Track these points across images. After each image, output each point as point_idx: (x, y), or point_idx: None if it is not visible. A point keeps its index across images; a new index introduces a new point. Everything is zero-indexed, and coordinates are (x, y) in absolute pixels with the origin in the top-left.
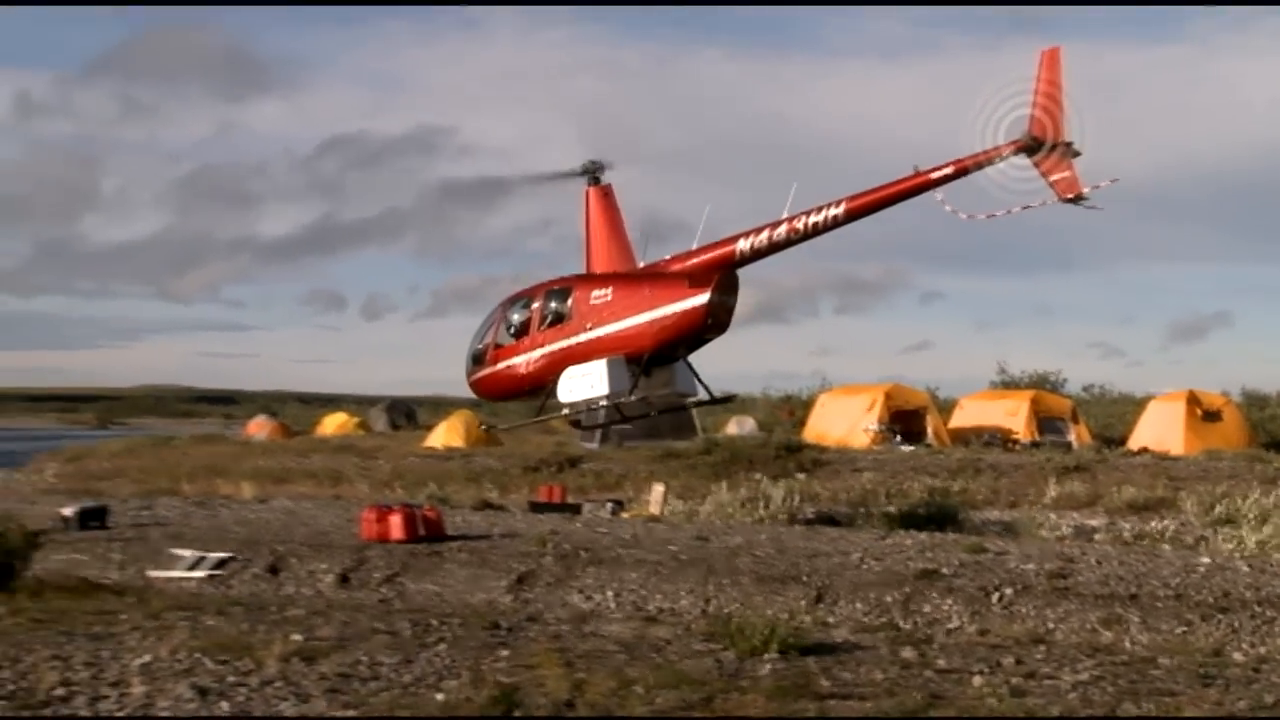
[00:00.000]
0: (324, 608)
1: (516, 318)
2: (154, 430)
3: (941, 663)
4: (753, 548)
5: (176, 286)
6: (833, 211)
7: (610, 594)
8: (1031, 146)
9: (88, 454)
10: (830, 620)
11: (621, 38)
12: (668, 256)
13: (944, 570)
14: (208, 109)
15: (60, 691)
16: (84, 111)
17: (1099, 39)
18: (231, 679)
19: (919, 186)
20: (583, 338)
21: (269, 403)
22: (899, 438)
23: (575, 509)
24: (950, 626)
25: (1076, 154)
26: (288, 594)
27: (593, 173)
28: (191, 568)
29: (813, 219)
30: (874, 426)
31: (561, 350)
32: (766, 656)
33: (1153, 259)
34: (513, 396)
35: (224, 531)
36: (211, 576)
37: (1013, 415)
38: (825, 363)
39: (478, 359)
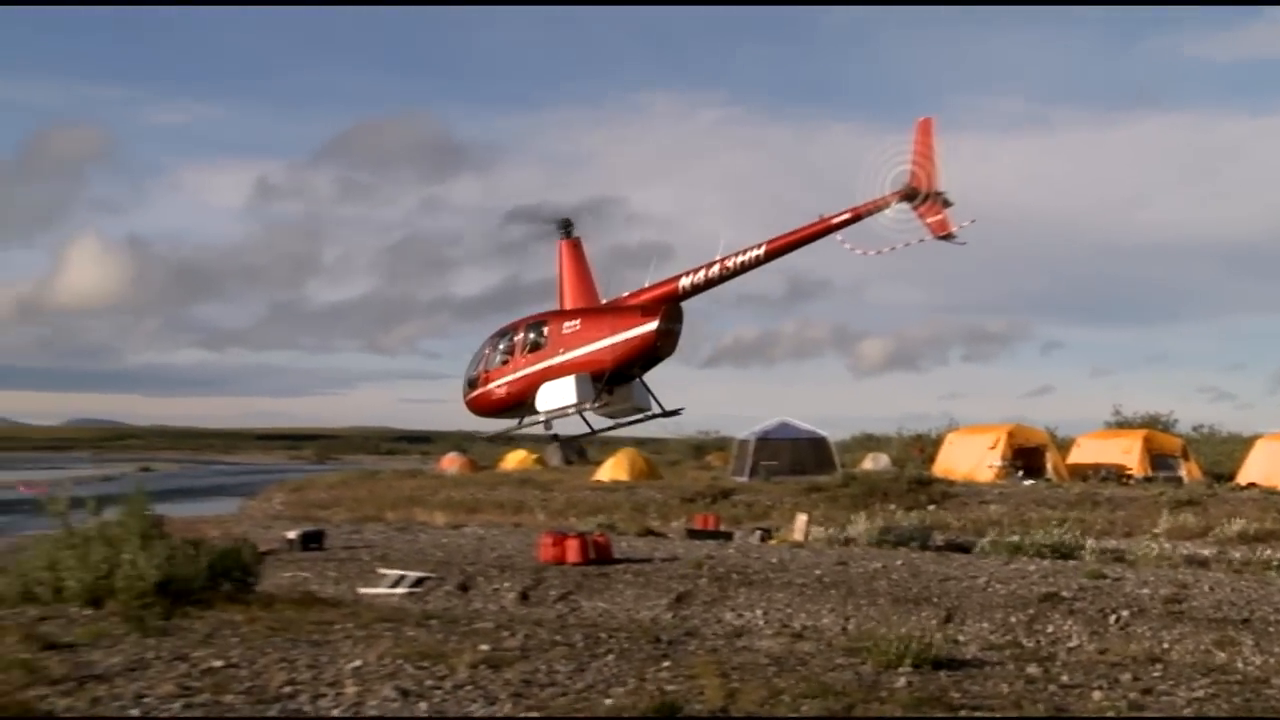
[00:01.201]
0: (508, 622)
1: (503, 347)
2: (363, 465)
3: (1064, 678)
4: (889, 572)
5: (383, 341)
6: (755, 253)
7: (760, 612)
8: (911, 195)
9: (308, 485)
10: (960, 638)
11: (767, 116)
12: (625, 293)
13: (1065, 594)
14: (414, 187)
15: (287, 689)
16: (311, 192)
17: (1213, 110)
18: (429, 682)
19: (824, 230)
20: (556, 360)
21: (460, 441)
22: (1021, 473)
23: (728, 536)
24: (1071, 645)
25: (949, 202)
26: (476, 609)
27: (565, 228)
28: (394, 585)
29: (739, 259)
30: (998, 462)
31: (540, 371)
32: (901, 670)
33: (1261, 310)
34: (502, 412)
35: (422, 554)
36: (411, 593)
37: (1127, 453)
38: (953, 405)
39: (472, 383)
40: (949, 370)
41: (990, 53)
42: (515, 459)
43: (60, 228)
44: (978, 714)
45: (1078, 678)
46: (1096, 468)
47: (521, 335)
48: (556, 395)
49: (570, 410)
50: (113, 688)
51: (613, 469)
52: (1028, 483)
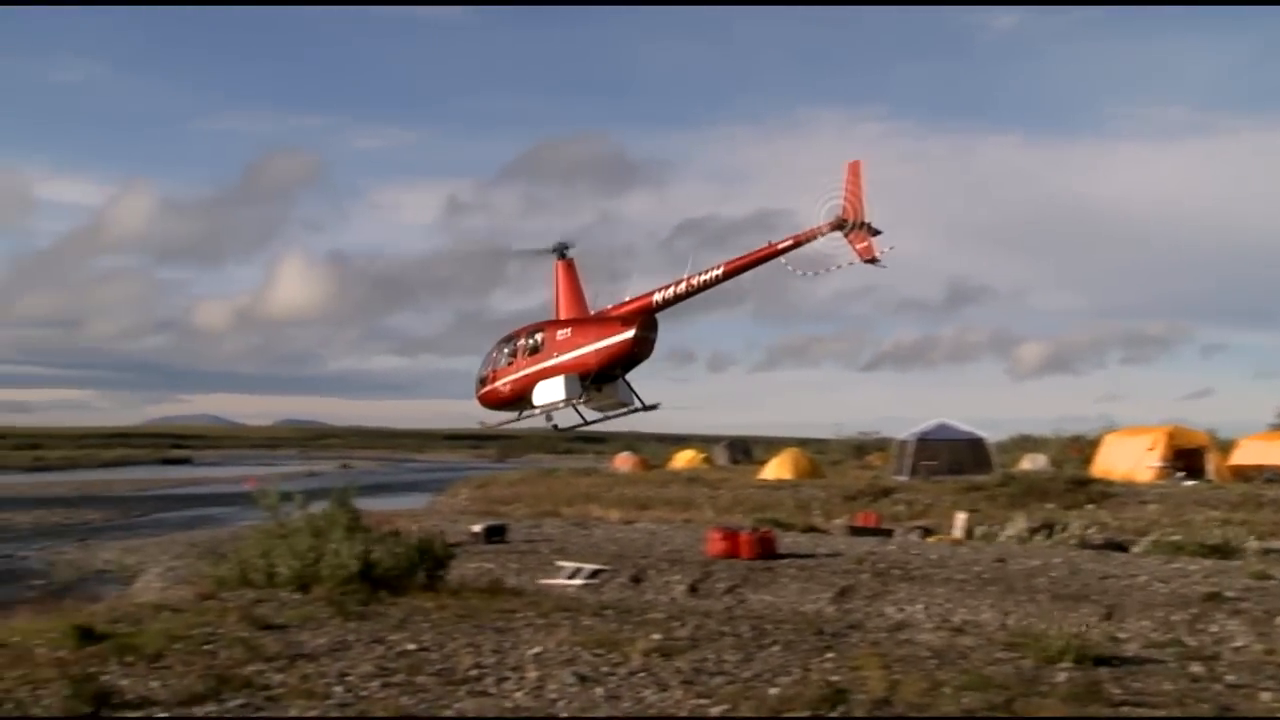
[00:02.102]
0: (678, 612)
1: (508, 350)
2: (541, 464)
3: (1230, 678)
4: (1048, 569)
5: None
6: (715, 272)
7: (920, 607)
8: (842, 225)
9: (491, 482)
10: (1120, 636)
11: (926, 129)
12: (610, 305)
13: (1229, 594)
14: (591, 202)
15: (474, 672)
16: (496, 208)
17: None
18: (604, 669)
19: (771, 254)
20: (551, 362)
21: (632, 441)
22: (1181, 474)
23: (888, 533)
24: (1236, 645)
25: (876, 231)
26: (648, 600)
27: (561, 250)
28: (571, 576)
29: (702, 277)
30: (1157, 463)
31: (537, 371)
32: (1061, 665)
33: None
34: (506, 406)
35: (597, 548)
36: (587, 584)
37: None
38: (1111, 407)
39: (483, 381)
40: (1107, 373)
41: (1150, 61)
42: (684, 458)
43: (273, 246)
44: (1139, 710)
45: (1244, 677)
46: (1261, 469)
47: (523, 341)
48: (549, 392)
49: (560, 405)
50: (319, 666)
51: (777, 468)
52: (1188, 484)
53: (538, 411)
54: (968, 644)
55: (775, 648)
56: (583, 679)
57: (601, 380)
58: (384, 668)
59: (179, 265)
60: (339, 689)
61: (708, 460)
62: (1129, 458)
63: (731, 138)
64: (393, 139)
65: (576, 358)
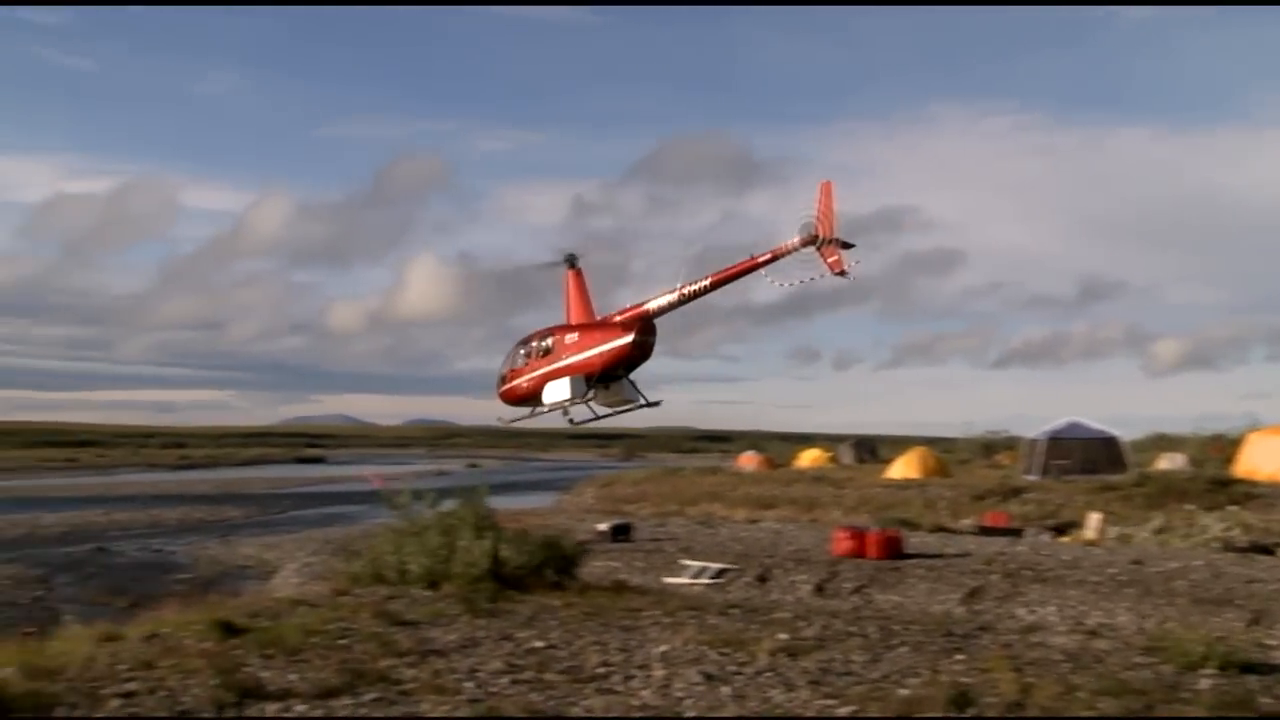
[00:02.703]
0: (805, 612)
1: (524, 352)
2: (666, 463)
3: None
4: (1188, 572)
5: (685, 345)
6: (703, 283)
7: (1053, 609)
8: (813, 240)
9: (616, 481)
10: (1269, 642)
11: (1056, 122)
12: (613, 312)
13: None
14: (714, 201)
15: (601, 670)
16: (621, 208)
17: None
18: (731, 668)
19: (753, 266)
20: (560, 364)
21: (756, 440)
22: None
23: (1019, 533)
24: None
25: (848, 245)
26: (774, 599)
27: (571, 260)
28: (697, 575)
29: (691, 288)
30: None
31: (547, 372)
32: (1204, 671)
33: None
34: (523, 403)
35: (722, 547)
36: (713, 583)
37: None
38: (1256, 405)
39: (503, 379)
40: (1250, 370)
41: None
42: (809, 457)
43: (403, 248)
44: None
45: None
46: None
47: (536, 344)
48: (556, 391)
49: (565, 403)
50: (450, 662)
51: (904, 467)
52: None
53: (547, 409)
54: (1103, 648)
55: (903, 649)
56: (709, 678)
57: (607, 380)
58: (513, 664)
59: (312, 268)
60: (469, 685)
61: (833, 459)
62: (1276, 457)
63: (855, 133)
64: (518, 140)
65: (582, 360)
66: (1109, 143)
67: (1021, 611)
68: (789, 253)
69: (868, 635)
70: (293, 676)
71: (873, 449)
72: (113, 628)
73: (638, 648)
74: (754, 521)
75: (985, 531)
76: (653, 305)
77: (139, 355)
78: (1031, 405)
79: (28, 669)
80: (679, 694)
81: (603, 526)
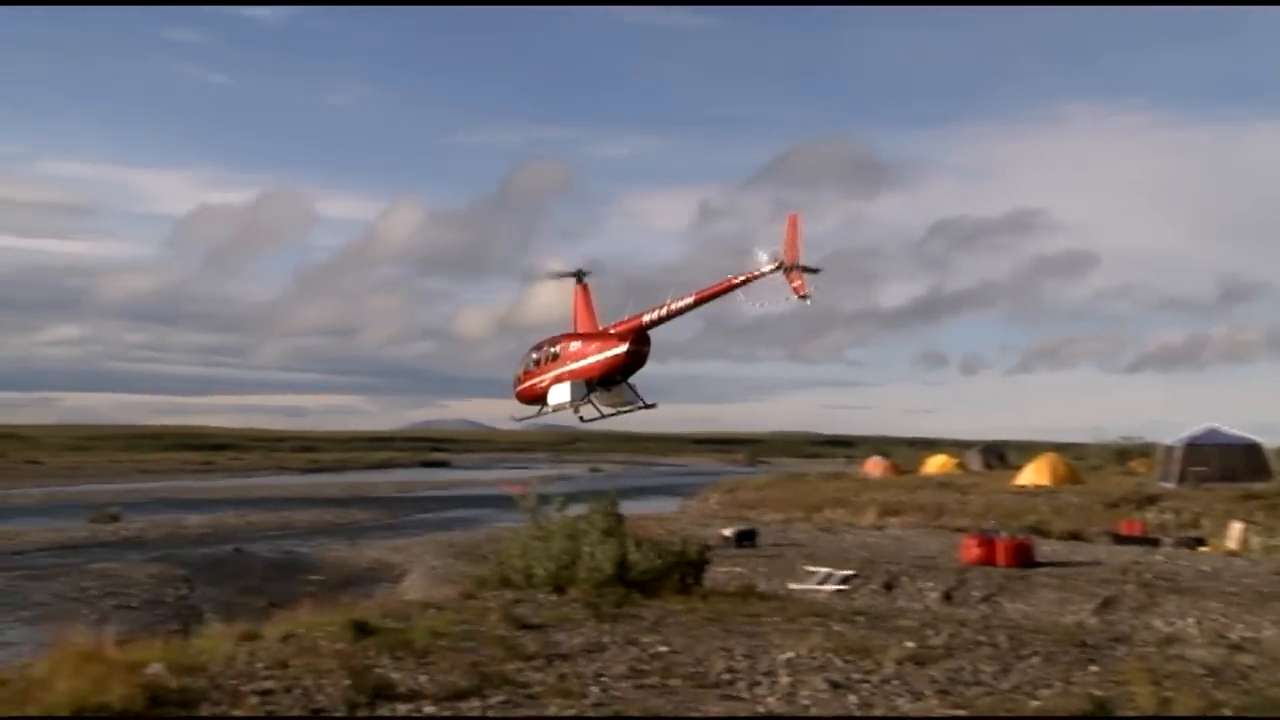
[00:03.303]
0: (932, 620)
1: (535, 357)
2: (789, 468)
3: None
4: None
5: (807, 351)
6: (687, 300)
7: (1192, 620)
8: (782, 266)
9: (739, 486)
10: None
11: (1187, 119)
12: (612, 324)
13: None
14: (840, 205)
15: (726, 676)
16: (746, 212)
17: None
18: (856, 676)
19: (730, 287)
20: (564, 369)
21: (881, 446)
22: None
23: (1155, 543)
24: None
25: (815, 270)
26: (900, 607)
27: (580, 275)
28: (821, 582)
29: (677, 305)
30: None
31: (554, 376)
32: None
33: None
34: (533, 402)
35: (846, 553)
36: (838, 590)
37: None
38: None
39: (518, 380)
40: None
41: None
42: (936, 463)
43: (529, 254)
44: None
45: None
46: None
47: (546, 350)
48: (559, 394)
49: (566, 406)
50: (575, 666)
51: (1034, 473)
52: None
53: (550, 409)
54: (1247, 662)
55: (1034, 659)
56: (835, 685)
57: (608, 384)
58: (637, 669)
59: (441, 275)
60: (594, 689)
61: (960, 465)
62: None
63: (981, 135)
64: (640, 146)
65: (583, 366)
66: (1245, 139)
67: (1158, 623)
68: (760, 277)
69: (997, 644)
70: (422, 678)
71: (1001, 455)
72: (250, 627)
73: (762, 654)
74: (879, 528)
75: (1119, 540)
76: (647, 319)
77: (273, 361)
78: (1167, 411)
79: (174, 665)
80: (804, 701)
81: (726, 532)
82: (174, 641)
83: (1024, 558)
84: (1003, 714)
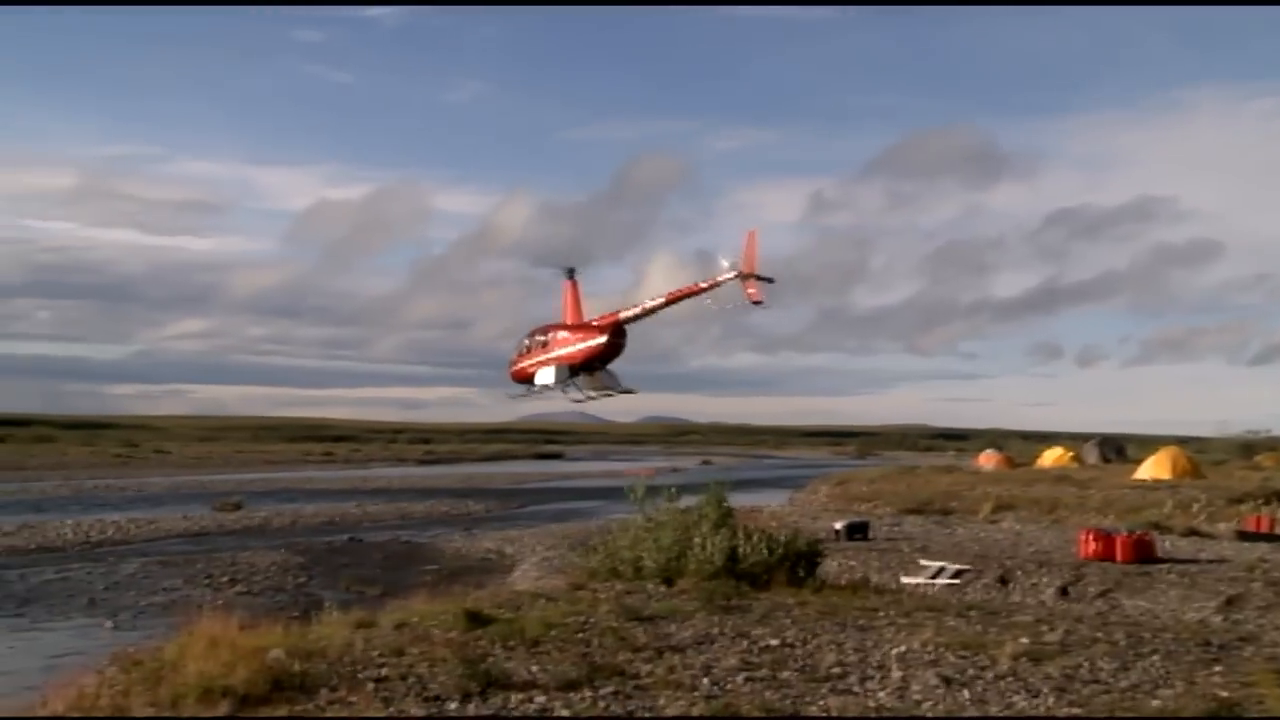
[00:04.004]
0: (1047, 616)
1: (527, 343)
2: (901, 461)
3: None
4: None
5: (922, 342)
6: (659, 300)
7: None
8: (740, 275)
9: (851, 479)
10: None
11: None
12: (595, 317)
13: None
14: (957, 195)
15: (836, 670)
16: (860, 204)
17: None
18: (970, 671)
19: (696, 291)
20: (551, 355)
21: (995, 439)
22: None
23: None
24: None
25: (768, 280)
26: (1015, 602)
27: (570, 272)
28: (934, 576)
29: (650, 304)
30: None
31: (541, 360)
32: None
33: None
34: (524, 382)
35: (960, 547)
36: (950, 584)
37: None
38: None
39: (512, 362)
40: None
41: None
42: (1051, 456)
43: (642, 247)
44: None
45: None
46: None
47: (538, 337)
48: (544, 376)
49: (550, 387)
50: (686, 658)
51: (1154, 467)
52: None
53: (537, 389)
54: None
55: (1155, 657)
56: (948, 681)
57: (590, 369)
58: (748, 662)
59: (556, 267)
60: (705, 681)
61: (1076, 459)
62: None
63: (1102, 123)
64: (753, 139)
65: (567, 354)
66: None
67: None
68: (721, 284)
69: (1116, 642)
70: (533, 668)
71: (1119, 448)
72: (367, 615)
73: (874, 648)
74: (993, 522)
75: (1244, 536)
76: (624, 315)
77: (390, 354)
78: None
79: (295, 651)
80: (916, 696)
81: (837, 525)
82: (294, 628)
83: (1144, 553)
84: (1121, 713)
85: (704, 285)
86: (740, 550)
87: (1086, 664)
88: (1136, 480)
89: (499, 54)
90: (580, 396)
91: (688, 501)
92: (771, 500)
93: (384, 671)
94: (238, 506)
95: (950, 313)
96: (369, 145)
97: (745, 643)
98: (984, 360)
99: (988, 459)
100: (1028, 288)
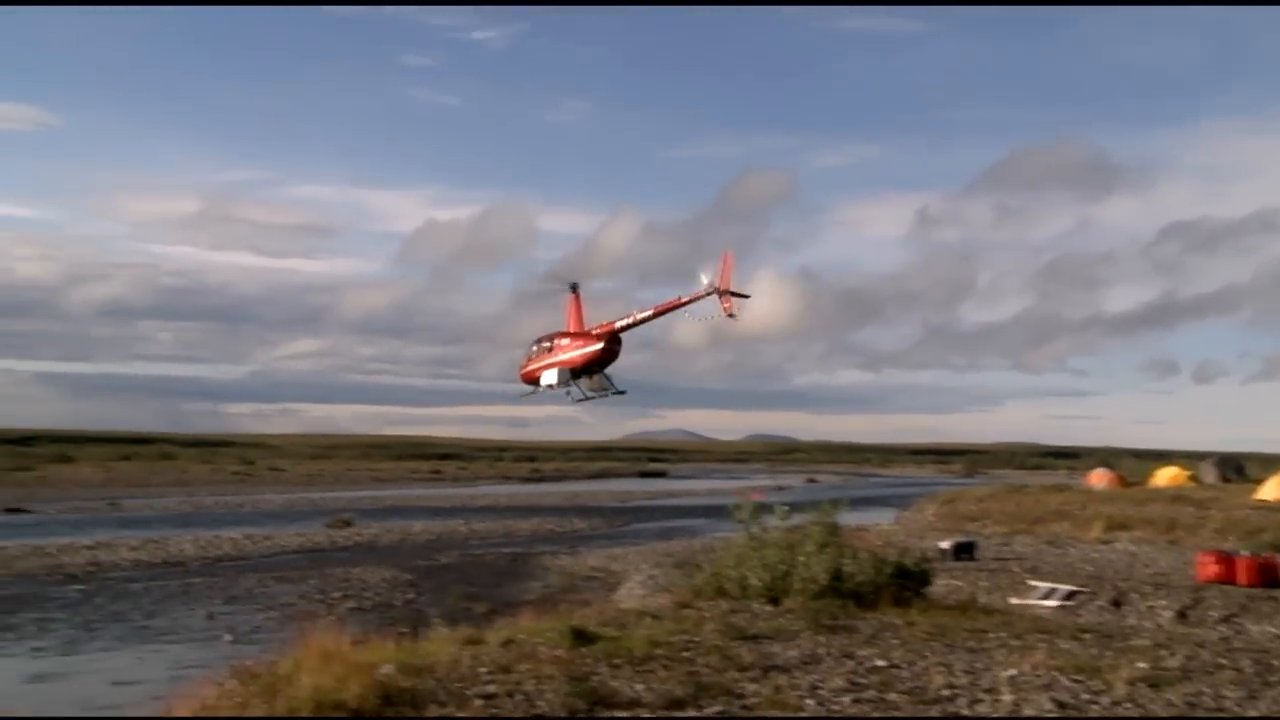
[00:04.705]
0: (1165, 640)
1: (536, 348)
2: (1009, 479)
3: None
4: None
5: (1031, 359)
6: (648, 312)
7: None
8: (716, 291)
9: (958, 498)
10: None
11: None
12: (594, 326)
13: None
14: (1068, 208)
15: (946, 692)
16: (967, 219)
17: None
18: (1085, 696)
19: (679, 305)
20: (554, 359)
21: (1106, 457)
22: None
23: None
24: None
25: (743, 295)
26: (1130, 625)
27: (573, 287)
28: (1045, 597)
29: (640, 315)
30: None
31: (545, 364)
32: None
33: None
34: (531, 383)
35: (1071, 567)
36: (1063, 605)
37: None
38: None
39: (521, 366)
40: None
41: None
42: (1167, 475)
43: (745, 265)
44: None
45: None
46: None
47: (544, 343)
48: (548, 378)
49: (554, 387)
50: (791, 678)
51: (1277, 487)
52: None
53: (541, 388)
54: None
55: None
56: (1062, 705)
57: (589, 373)
58: (855, 683)
59: (658, 286)
60: (810, 702)
61: (1193, 478)
62: None
63: (1222, 132)
64: (857, 155)
65: (567, 359)
66: None
67: None
68: (701, 298)
69: (1241, 669)
70: (639, 686)
71: (1239, 467)
72: (474, 632)
73: (984, 670)
74: (1106, 542)
75: None
76: (619, 324)
77: (496, 373)
78: None
79: (404, 666)
80: None
81: (944, 544)
82: (403, 644)
83: (1269, 577)
84: None
85: (686, 299)
86: (845, 569)
87: (1209, 691)
88: (1258, 501)
89: (602, 74)
90: (580, 396)
91: (796, 520)
92: (878, 519)
93: (491, 688)
94: (348, 523)
95: (1060, 328)
96: (474, 167)
97: (851, 663)
98: (1095, 377)
99: (1099, 478)
100: (1141, 302)
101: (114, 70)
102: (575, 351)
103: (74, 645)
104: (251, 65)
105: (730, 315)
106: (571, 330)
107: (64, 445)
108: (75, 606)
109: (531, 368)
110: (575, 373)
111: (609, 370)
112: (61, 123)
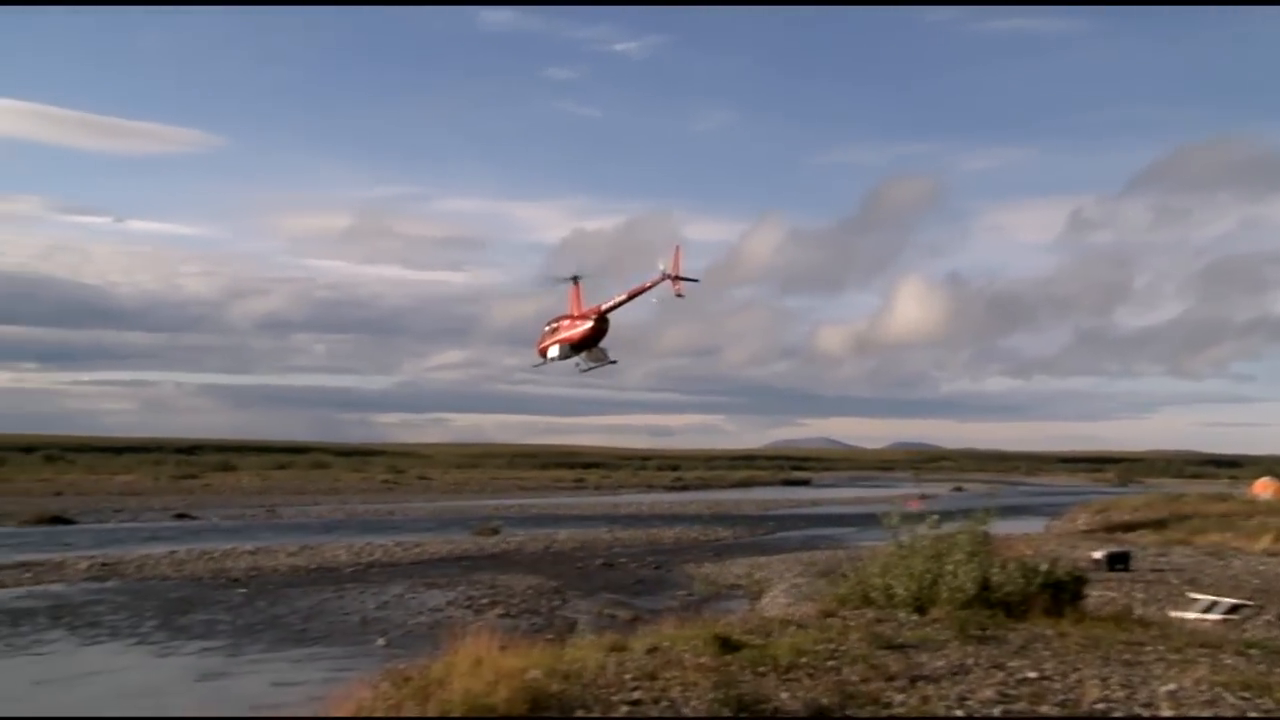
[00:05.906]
0: None
1: (547, 329)
2: (1166, 489)
3: None
4: None
5: (1189, 365)
6: (622, 297)
7: None
8: (668, 277)
9: (1111, 507)
10: None
11: None
12: (589, 307)
13: None
14: (1232, 209)
15: (1100, 706)
16: (1123, 221)
17: None
18: (1252, 714)
19: (646, 289)
20: (559, 337)
21: (1272, 466)
22: None
23: None
24: None
25: (690, 279)
26: None
27: (575, 279)
28: (1206, 610)
29: (618, 298)
30: None
31: (552, 340)
32: None
33: None
34: (542, 357)
35: (1236, 580)
36: (1226, 619)
37: None
38: None
39: (538, 343)
40: None
41: None
42: None
43: (891, 271)
44: None
45: None
46: None
47: (554, 324)
48: (554, 352)
49: (558, 358)
50: (939, 688)
51: None
52: None
53: (547, 361)
54: None
55: None
56: None
57: (587, 346)
58: (1005, 694)
59: (802, 294)
60: (959, 713)
61: None
62: None
63: None
64: (1004, 158)
65: (569, 335)
66: None
67: None
68: (659, 283)
69: None
70: (784, 694)
71: None
72: (619, 638)
73: (1141, 684)
74: (1273, 554)
75: None
76: (604, 307)
77: (640, 382)
78: None
79: (551, 672)
80: None
81: (1098, 554)
82: (550, 649)
83: None
84: None
85: (649, 285)
86: (994, 579)
87: None
88: None
89: (744, 83)
90: (585, 366)
91: (948, 528)
92: (1027, 528)
93: (637, 695)
94: (495, 531)
95: (1222, 332)
96: (618, 178)
97: (1001, 674)
98: (1260, 383)
99: (1264, 487)
100: None
101: (273, 93)
102: (572, 330)
103: (237, 646)
104: (401, 84)
105: (679, 295)
106: (573, 314)
107: (226, 454)
108: (238, 609)
109: (543, 345)
110: (575, 347)
111: (603, 344)
112: (225, 144)
